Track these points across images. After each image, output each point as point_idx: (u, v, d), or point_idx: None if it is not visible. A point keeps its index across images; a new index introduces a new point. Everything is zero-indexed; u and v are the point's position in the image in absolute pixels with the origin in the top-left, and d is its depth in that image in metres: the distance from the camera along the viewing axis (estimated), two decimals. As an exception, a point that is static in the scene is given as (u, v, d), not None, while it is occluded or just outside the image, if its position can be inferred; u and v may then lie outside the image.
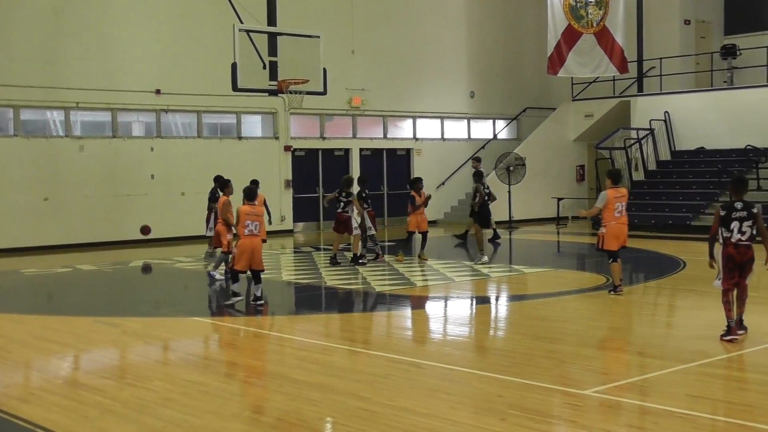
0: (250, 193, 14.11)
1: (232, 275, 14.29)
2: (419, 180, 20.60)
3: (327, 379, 9.25)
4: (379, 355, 10.56)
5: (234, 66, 19.76)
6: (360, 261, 19.11)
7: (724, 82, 30.91)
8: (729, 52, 30.82)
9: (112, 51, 24.97)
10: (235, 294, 14.24)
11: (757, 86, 28.36)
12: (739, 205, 10.76)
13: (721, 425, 7.42)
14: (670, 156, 29.37)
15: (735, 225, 10.68)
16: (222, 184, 18.01)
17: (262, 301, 14.05)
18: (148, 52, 25.63)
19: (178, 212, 25.42)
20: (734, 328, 10.71)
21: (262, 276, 14.20)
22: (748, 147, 26.44)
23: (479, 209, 19.70)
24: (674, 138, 29.37)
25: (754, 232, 10.72)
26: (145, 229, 21.68)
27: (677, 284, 16.21)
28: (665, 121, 29.33)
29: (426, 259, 19.59)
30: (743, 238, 10.69)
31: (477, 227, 19.69)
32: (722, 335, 10.77)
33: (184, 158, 26.06)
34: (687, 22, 32.90)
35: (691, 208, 25.73)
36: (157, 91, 25.59)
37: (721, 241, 10.83)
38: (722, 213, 10.77)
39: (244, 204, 14.04)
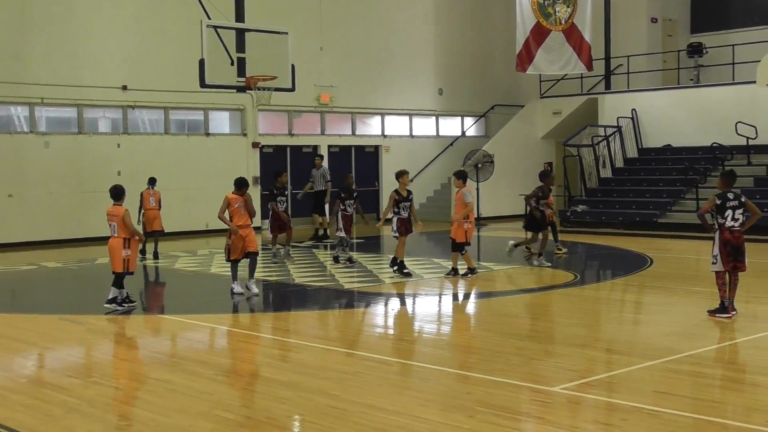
0: (114, 193, 13.75)
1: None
2: (549, 172, 21.03)
3: (296, 376, 9.21)
4: (349, 353, 10.54)
5: (201, 62, 19.63)
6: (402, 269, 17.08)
7: (691, 80, 31.12)
8: (695, 50, 31.03)
9: (78, 46, 24.76)
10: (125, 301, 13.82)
11: (723, 84, 28.57)
12: (731, 195, 11.93)
13: (687, 421, 7.45)
14: (637, 153, 29.53)
15: (729, 213, 11.80)
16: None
17: (111, 305, 13.61)
18: (115, 48, 25.43)
19: (145, 209, 25.22)
20: (729, 307, 11.78)
21: (125, 279, 13.75)
22: (714, 145, 26.63)
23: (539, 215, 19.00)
24: (641, 135, 29.53)
25: (744, 219, 11.90)
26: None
27: (644, 281, 16.28)
28: (632, 118, 29.49)
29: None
30: (736, 225, 11.84)
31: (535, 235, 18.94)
32: (714, 311, 11.90)
33: (151, 155, 25.85)
34: (654, 20, 33.10)
35: (658, 206, 25.88)
36: (124, 87, 25.40)
37: (716, 227, 11.89)
38: (718, 202, 11.87)
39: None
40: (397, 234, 17.15)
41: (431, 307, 14.45)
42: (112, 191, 13.80)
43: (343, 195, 18.64)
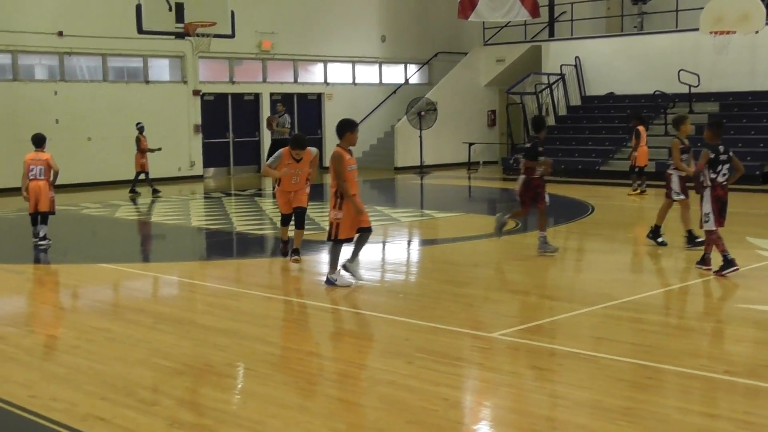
0: (37, 140, 14.94)
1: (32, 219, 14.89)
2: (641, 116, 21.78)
3: (235, 324, 9.18)
4: (288, 300, 10.52)
5: (138, 7, 19.32)
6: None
7: (634, 27, 31.20)
8: (639, -3, 31.10)
9: (12, -9, 24.17)
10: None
11: (665, 32, 28.68)
12: (721, 148, 11.25)
13: (623, 365, 7.55)
14: (580, 101, 29.66)
15: (720, 168, 11.17)
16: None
17: (45, 242, 14.60)
18: (50, -8, 24.85)
19: (84, 158, 24.88)
20: (733, 259, 11.04)
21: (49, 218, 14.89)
22: (657, 92, 26.81)
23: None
24: (584, 83, 29.64)
25: (730, 173, 11.34)
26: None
27: (585, 228, 16.42)
28: (576, 66, 29.57)
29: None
30: (725, 180, 11.26)
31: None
32: (719, 270, 11.10)
33: (89, 102, 25.45)
34: (598, -34, 33.07)
35: (601, 153, 26.07)
36: (60, 33, 24.86)
37: (708, 183, 11.20)
38: (711, 155, 11.16)
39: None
40: (682, 195, 13.39)
41: (372, 254, 14.44)
42: (34, 138, 14.97)
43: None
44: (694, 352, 8.06)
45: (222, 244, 15.86)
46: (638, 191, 21.17)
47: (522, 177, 13.27)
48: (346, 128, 10.84)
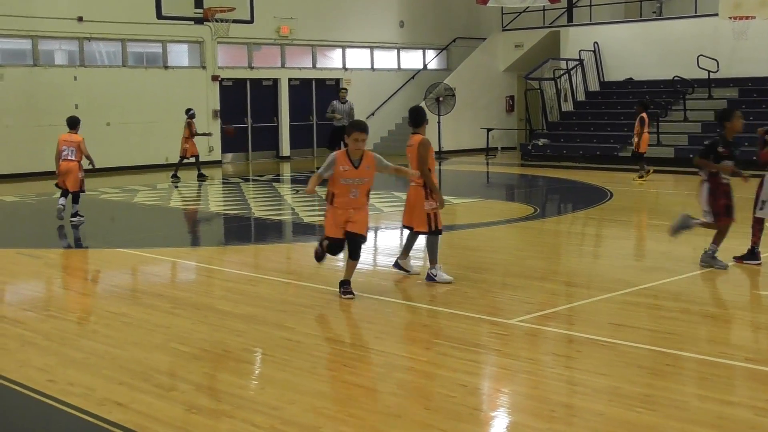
0: (71, 122, 15.86)
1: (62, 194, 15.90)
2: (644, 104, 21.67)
3: (253, 309, 9.18)
4: (306, 286, 10.50)
5: (158, -8, 19.33)
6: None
7: (653, 12, 31.02)
8: (658, -18, 30.93)
9: (31, -25, 24.22)
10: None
11: (685, 17, 28.52)
12: None
13: (642, 352, 7.51)
14: (598, 87, 29.52)
15: None
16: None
17: (76, 218, 15.65)
18: (69, -23, 24.90)
19: (103, 143, 24.85)
20: (759, 253, 10.90)
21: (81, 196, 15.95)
22: (676, 78, 26.64)
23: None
24: (603, 69, 29.50)
25: None
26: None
27: (604, 214, 16.35)
28: (594, 51, 29.43)
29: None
30: None
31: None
32: (742, 257, 10.97)
33: (108, 88, 25.49)
34: (617, -49, 32.88)
35: (619, 139, 25.93)
36: (80, 19, 24.90)
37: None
38: None
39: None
40: None
41: (390, 240, 14.43)
42: (69, 121, 15.86)
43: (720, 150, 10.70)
44: (713, 339, 8.01)
45: (240, 230, 15.87)
46: (645, 177, 21.07)
47: (705, 185, 10.82)
48: (425, 118, 10.51)
